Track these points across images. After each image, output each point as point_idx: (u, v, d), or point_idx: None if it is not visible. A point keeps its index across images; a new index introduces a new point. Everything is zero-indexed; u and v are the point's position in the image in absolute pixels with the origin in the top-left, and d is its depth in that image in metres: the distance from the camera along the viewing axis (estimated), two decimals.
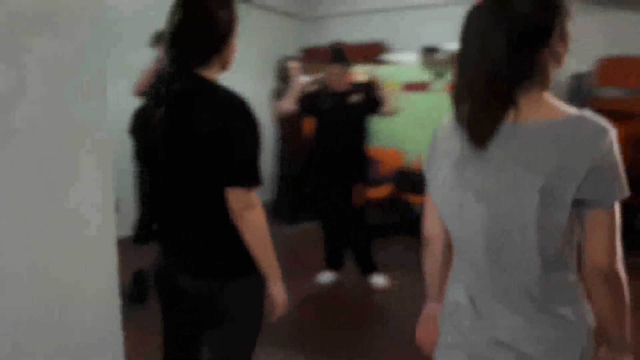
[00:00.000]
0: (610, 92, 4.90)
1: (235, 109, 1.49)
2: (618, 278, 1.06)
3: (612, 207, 1.03)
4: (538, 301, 1.10)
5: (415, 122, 5.43)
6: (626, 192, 1.02)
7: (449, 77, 5.28)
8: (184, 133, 1.46)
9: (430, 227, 1.34)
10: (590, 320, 1.11)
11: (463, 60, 1.09)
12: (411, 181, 5.05)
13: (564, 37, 1.05)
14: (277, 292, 1.62)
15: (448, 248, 1.31)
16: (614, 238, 1.04)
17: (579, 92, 4.92)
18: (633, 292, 1.15)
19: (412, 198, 5.06)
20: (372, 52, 6.04)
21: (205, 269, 1.57)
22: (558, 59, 1.07)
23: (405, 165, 5.42)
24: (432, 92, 5.41)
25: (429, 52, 5.28)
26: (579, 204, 1.03)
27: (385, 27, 6.18)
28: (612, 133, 1.01)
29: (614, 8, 5.06)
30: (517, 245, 1.08)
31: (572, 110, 1.05)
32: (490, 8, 1.04)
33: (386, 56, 5.82)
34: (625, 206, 1.09)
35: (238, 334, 1.64)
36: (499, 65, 1.02)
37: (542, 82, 1.07)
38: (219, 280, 1.56)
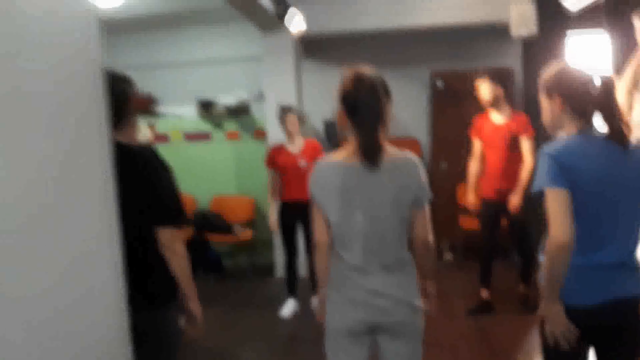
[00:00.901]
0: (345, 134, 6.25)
1: (154, 165, 1.96)
2: (432, 245, 1.99)
3: (427, 205, 1.94)
4: (392, 267, 1.91)
5: (201, 168, 5.98)
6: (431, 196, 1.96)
7: (226, 127, 5.99)
8: (121, 190, 1.82)
9: (320, 234, 2.00)
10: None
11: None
12: (209, 222, 5.55)
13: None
14: (196, 308, 2.11)
15: (330, 248, 2.01)
16: (430, 223, 1.96)
17: (330, 132, 6.12)
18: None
19: (211, 237, 5.57)
20: (143, 105, 6.32)
21: (144, 301, 1.91)
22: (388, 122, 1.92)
23: (200, 208, 5.90)
24: (213, 141, 6.05)
25: (206, 105, 5.89)
26: (412, 206, 1.89)
27: (151, 80, 6.49)
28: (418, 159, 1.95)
29: (338, 66, 6.42)
30: (384, 237, 1.90)
31: (402, 152, 1.92)
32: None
33: (161, 108, 6.17)
34: None
35: (170, 352, 2.07)
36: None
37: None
38: (160, 307, 1.99)
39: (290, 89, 5.36)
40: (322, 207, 1.94)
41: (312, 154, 4.25)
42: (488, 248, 4.32)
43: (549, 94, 1.91)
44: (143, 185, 1.88)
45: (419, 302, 1.96)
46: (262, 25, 5.00)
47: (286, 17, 4.67)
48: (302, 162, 4.25)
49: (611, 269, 1.81)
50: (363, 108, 1.84)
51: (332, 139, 6.02)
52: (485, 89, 4.10)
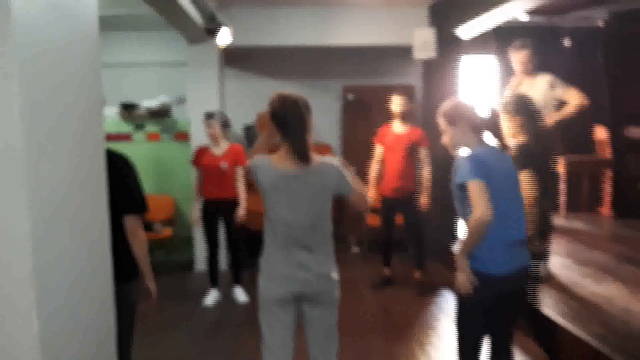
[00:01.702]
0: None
1: (122, 164, 2.33)
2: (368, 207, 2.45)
3: (354, 191, 2.36)
4: (312, 248, 2.32)
5: None
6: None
7: (147, 128, 6.18)
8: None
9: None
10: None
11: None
12: None
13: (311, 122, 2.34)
14: (152, 285, 2.48)
15: None
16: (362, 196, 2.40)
17: (250, 136, 6.50)
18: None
19: None
20: None
21: (119, 276, 2.23)
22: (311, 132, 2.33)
23: None
24: (134, 142, 6.20)
25: (128, 108, 6.05)
26: (341, 196, 2.33)
27: None
28: (338, 162, 2.37)
29: (260, 76, 6.84)
30: (305, 225, 2.30)
31: (323, 158, 2.35)
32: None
33: None
34: None
35: (131, 321, 2.40)
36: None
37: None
38: (126, 282, 2.32)
39: (213, 95, 5.68)
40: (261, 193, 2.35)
41: (235, 158, 4.62)
42: (386, 237, 4.98)
43: (452, 121, 2.54)
44: (115, 181, 2.16)
45: (335, 275, 2.40)
46: (190, 36, 5.29)
47: (216, 33, 5.01)
48: (224, 165, 4.59)
49: (514, 245, 2.42)
50: (290, 122, 2.28)
51: (251, 142, 6.41)
52: (398, 103, 4.74)
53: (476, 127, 2.52)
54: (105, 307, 1.87)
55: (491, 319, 2.51)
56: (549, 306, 3.67)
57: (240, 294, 4.83)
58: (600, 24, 6.51)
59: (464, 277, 2.39)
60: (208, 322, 4.39)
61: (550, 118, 4.12)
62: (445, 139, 2.61)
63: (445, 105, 2.60)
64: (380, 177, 4.92)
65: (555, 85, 4.20)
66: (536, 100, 4.15)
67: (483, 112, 2.54)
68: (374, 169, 4.94)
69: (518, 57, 4.34)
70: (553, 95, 4.20)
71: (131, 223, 2.31)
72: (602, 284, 4.09)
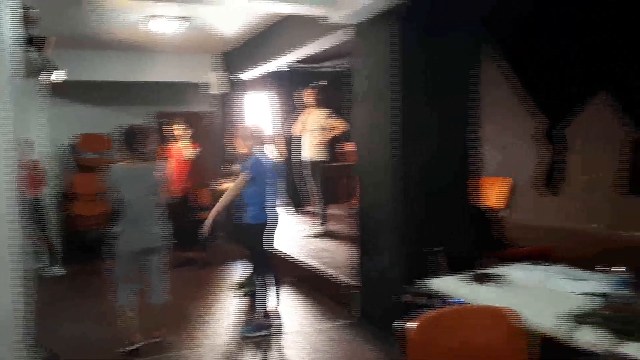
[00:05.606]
0: (85, 154, 7.57)
1: None
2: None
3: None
4: (153, 219, 3.66)
5: None
6: None
7: None
8: None
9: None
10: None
11: None
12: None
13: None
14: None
15: None
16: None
17: (73, 154, 7.30)
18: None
19: None
20: None
21: None
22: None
23: None
24: None
25: None
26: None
27: None
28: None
29: (84, 105, 7.65)
30: (150, 203, 3.61)
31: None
32: None
33: None
34: None
35: None
36: None
37: None
38: None
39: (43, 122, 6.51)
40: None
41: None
42: None
43: (246, 137, 3.97)
44: None
45: (166, 236, 3.73)
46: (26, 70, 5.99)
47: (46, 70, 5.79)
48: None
49: (268, 207, 3.96)
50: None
51: (71, 156, 7.23)
52: (178, 129, 6.14)
53: (260, 141, 3.97)
54: None
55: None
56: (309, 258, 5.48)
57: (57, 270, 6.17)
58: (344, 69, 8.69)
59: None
60: None
61: (326, 136, 5.98)
62: (237, 148, 4.08)
63: (245, 126, 4.03)
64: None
65: (329, 116, 6.01)
66: (318, 124, 5.95)
67: (267, 133, 3.99)
68: None
69: (308, 93, 6.03)
70: (328, 122, 5.99)
71: None
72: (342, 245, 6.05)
